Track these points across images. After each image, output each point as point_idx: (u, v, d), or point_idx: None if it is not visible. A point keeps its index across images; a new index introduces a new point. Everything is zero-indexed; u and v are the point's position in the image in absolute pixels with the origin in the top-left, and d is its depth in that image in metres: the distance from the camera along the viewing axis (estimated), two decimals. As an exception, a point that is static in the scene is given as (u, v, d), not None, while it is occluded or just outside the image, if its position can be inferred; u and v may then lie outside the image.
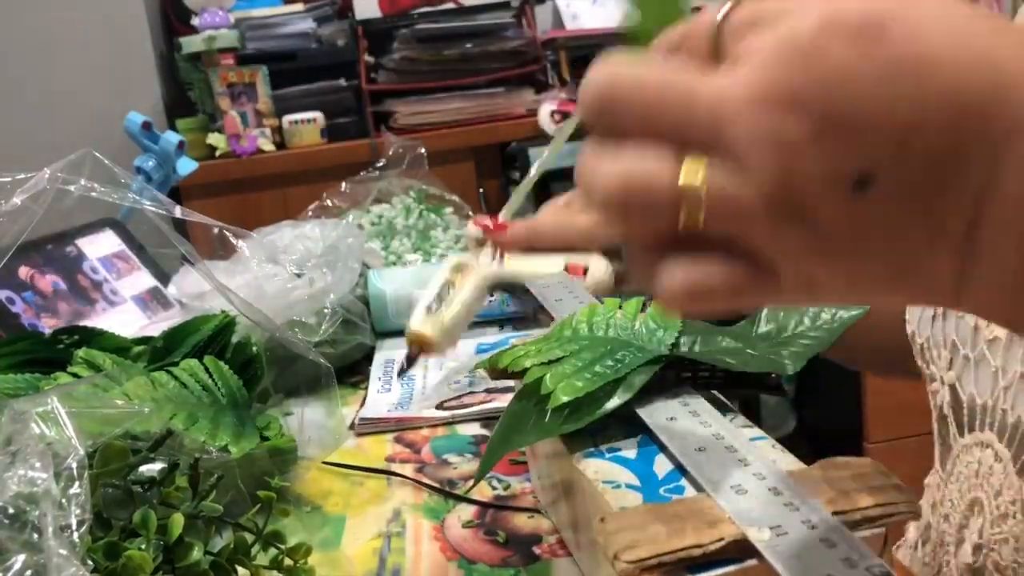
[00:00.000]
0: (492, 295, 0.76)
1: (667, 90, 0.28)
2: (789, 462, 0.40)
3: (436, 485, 0.62)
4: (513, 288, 0.78)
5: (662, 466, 0.42)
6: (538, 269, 0.66)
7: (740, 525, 0.34)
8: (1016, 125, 0.27)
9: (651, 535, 0.35)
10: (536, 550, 0.53)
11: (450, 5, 2.20)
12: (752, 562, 0.34)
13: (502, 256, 0.53)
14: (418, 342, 0.71)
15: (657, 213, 0.28)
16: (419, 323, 0.71)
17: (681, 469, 0.41)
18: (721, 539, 0.34)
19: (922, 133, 0.27)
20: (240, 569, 0.42)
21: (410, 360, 0.71)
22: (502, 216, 0.71)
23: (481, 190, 2.18)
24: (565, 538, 0.52)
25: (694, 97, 0.28)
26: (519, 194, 0.71)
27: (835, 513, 0.35)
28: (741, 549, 0.34)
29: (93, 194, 0.66)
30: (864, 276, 0.29)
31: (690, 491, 0.40)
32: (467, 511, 0.58)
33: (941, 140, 0.27)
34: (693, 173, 0.27)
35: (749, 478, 0.37)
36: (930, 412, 0.59)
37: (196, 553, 0.36)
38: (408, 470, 0.65)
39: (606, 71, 0.29)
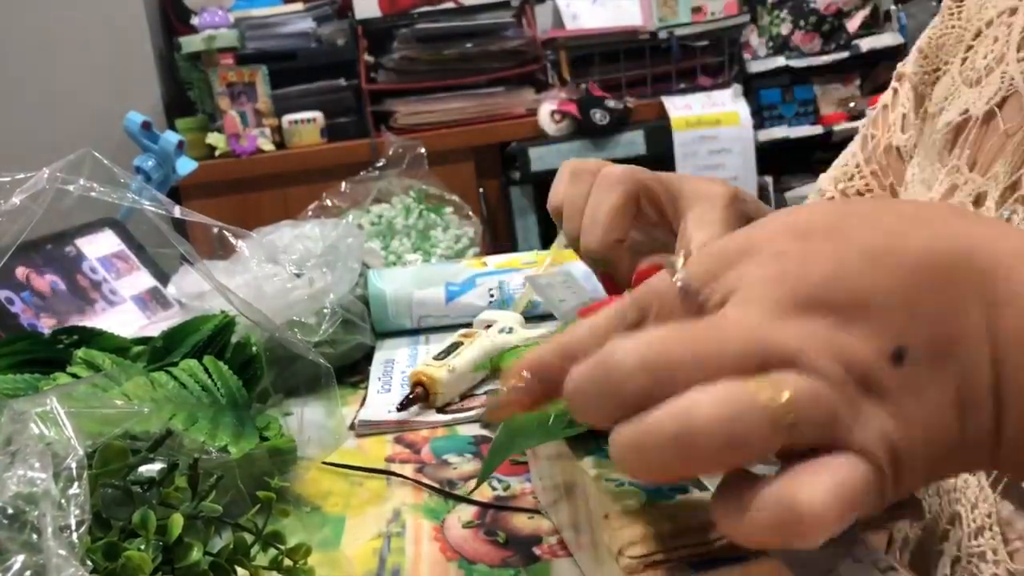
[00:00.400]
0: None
1: (695, 346, 0.28)
2: None
3: (436, 485, 0.62)
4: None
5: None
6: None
7: None
8: (992, 268, 0.30)
9: (655, 532, 0.35)
10: (536, 550, 0.52)
11: (450, 5, 2.20)
12: (756, 560, 0.34)
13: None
14: (421, 383, 0.75)
15: (761, 439, 0.27)
16: (425, 365, 0.75)
17: None
18: (725, 536, 0.34)
19: (920, 296, 0.29)
20: (239, 569, 0.42)
21: (409, 401, 0.74)
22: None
23: (481, 190, 2.18)
24: (566, 539, 0.52)
25: (722, 342, 0.28)
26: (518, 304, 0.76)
27: None
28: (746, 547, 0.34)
29: (92, 194, 0.66)
30: (932, 449, 0.30)
31: (694, 490, 0.40)
32: (467, 511, 0.58)
33: (937, 299, 0.29)
34: (775, 389, 0.27)
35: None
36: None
37: (195, 554, 0.36)
38: (408, 470, 0.65)
39: (630, 365, 0.28)
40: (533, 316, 0.90)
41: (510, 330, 0.79)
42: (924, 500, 0.57)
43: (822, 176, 0.80)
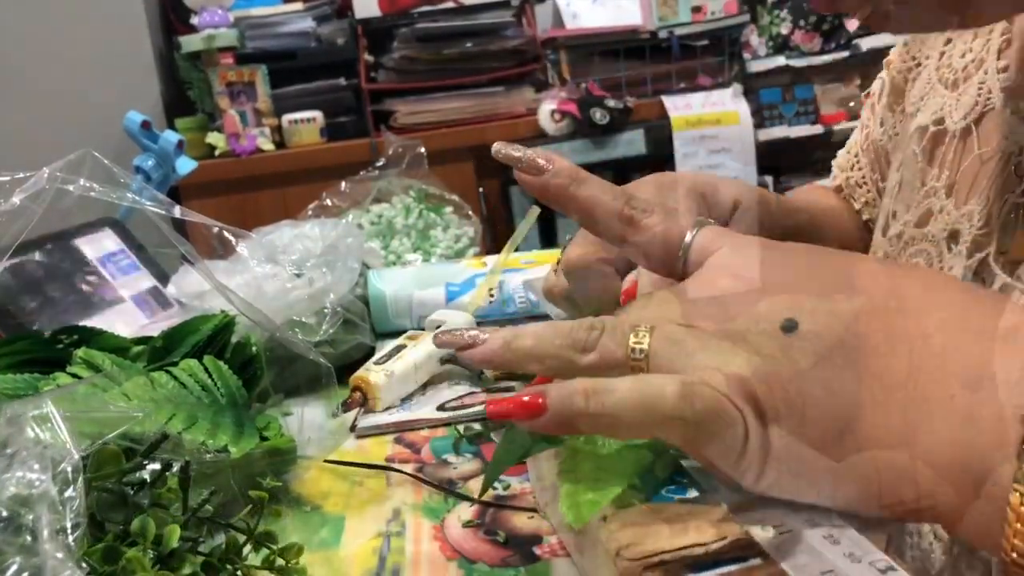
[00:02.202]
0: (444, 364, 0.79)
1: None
2: None
3: (441, 484, 0.62)
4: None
5: (664, 467, 0.42)
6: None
7: (743, 524, 0.34)
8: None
9: (653, 533, 0.35)
10: (536, 550, 0.52)
11: (450, 4, 2.19)
12: (755, 561, 0.34)
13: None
14: (359, 388, 0.74)
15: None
16: (365, 370, 0.74)
17: (682, 470, 0.41)
18: (724, 538, 0.34)
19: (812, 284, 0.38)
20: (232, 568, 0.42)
21: (347, 406, 0.74)
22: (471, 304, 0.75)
23: (481, 190, 2.18)
24: (564, 540, 0.52)
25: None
26: (487, 279, 0.75)
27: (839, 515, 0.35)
28: (743, 548, 0.34)
29: (92, 194, 0.66)
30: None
31: (692, 492, 0.40)
32: (467, 511, 0.58)
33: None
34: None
35: None
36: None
37: (188, 567, 0.36)
38: (408, 470, 0.65)
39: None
40: (522, 319, 0.90)
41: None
42: None
43: (839, 153, 0.81)
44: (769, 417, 0.33)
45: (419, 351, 0.77)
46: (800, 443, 0.33)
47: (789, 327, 0.34)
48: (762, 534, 0.33)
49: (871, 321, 0.34)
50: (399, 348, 0.78)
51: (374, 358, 0.77)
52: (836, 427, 0.33)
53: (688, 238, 0.41)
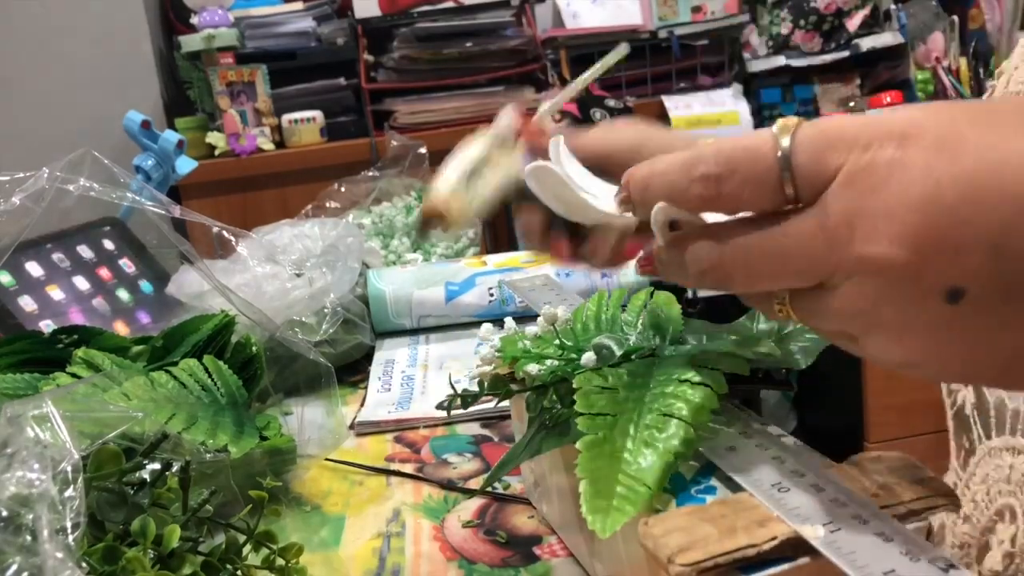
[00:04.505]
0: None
1: (765, 248, 0.32)
2: (817, 459, 0.40)
3: (441, 481, 0.62)
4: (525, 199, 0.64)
5: (688, 466, 0.41)
6: (587, 205, 0.48)
7: (792, 523, 0.34)
8: None
9: (702, 537, 0.34)
10: (536, 550, 0.52)
11: (450, 4, 2.19)
12: (804, 560, 0.33)
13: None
14: (435, 214, 0.62)
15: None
16: (443, 194, 0.62)
17: (709, 468, 0.40)
18: (774, 538, 0.33)
19: (1011, 240, 0.27)
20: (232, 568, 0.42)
21: (423, 229, 0.64)
22: (539, 116, 0.63)
23: (481, 189, 2.18)
24: (565, 539, 0.52)
25: (794, 248, 0.31)
26: (560, 99, 0.62)
27: (880, 508, 0.34)
28: (793, 547, 0.33)
29: (92, 193, 0.66)
30: (968, 374, 0.31)
31: (722, 491, 0.39)
32: (467, 511, 0.58)
33: None
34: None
35: (788, 476, 0.37)
36: (931, 412, 0.59)
37: (188, 567, 0.36)
38: (408, 470, 0.65)
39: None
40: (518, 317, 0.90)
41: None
42: (967, 489, 0.57)
43: None
44: None
45: (499, 174, 0.62)
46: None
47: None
48: (814, 533, 0.33)
49: None
50: (483, 162, 0.64)
51: (451, 171, 0.63)
52: None
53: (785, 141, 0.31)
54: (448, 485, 0.62)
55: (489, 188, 0.61)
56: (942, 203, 0.27)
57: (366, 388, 0.81)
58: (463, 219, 0.60)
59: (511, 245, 2.25)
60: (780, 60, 2.43)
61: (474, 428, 0.71)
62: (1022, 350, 0.29)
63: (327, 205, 1.32)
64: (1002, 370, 0.30)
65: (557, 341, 0.50)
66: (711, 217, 0.35)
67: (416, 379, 0.82)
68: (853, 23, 2.44)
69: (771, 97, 2.46)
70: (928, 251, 0.28)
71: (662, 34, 2.37)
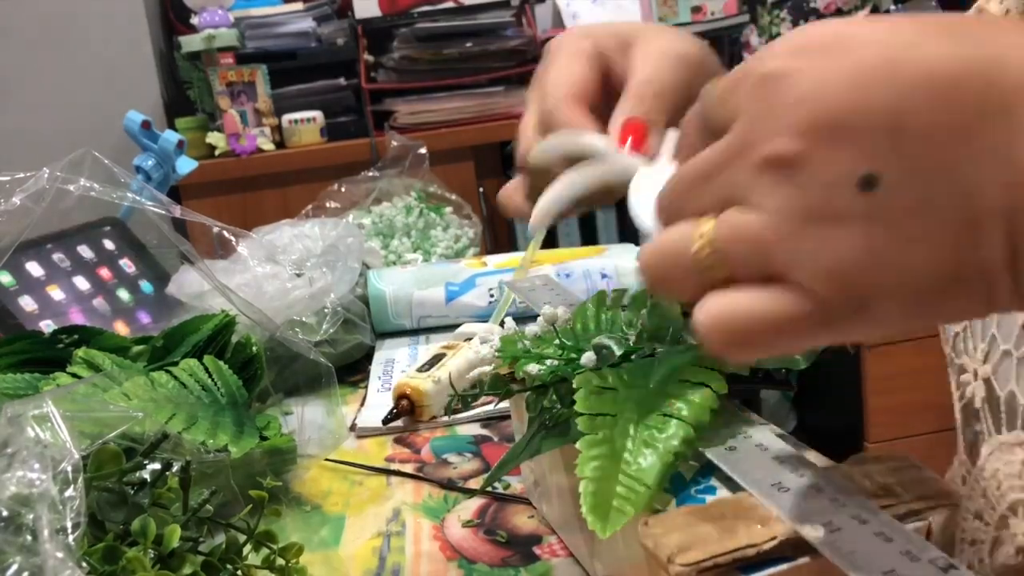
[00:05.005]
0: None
1: (684, 177, 0.32)
2: (817, 459, 0.40)
3: (441, 481, 0.62)
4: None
5: (688, 466, 0.41)
6: None
7: (791, 523, 0.33)
8: (1017, 89, 0.27)
9: (702, 536, 0.34)
10: (536, 550, 0.52)
11: (450, 4, 2.19)
12: (804, 560, 0.33)
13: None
14: (407, 396, 0.72)
15: (678, 277, 0.31)
16: (410, 378, 0.71)
17: (709, 468, 0.40)
18: (774, 538, 0.33)
19: (909, 118, 0.27)
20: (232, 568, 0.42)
21: (394, 415, 0.72)
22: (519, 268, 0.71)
23: (481, 189, 2.18)
24: (565, 538, 0.52)
25: (706, 168, 0.31)
26: (528, 256, 0.68)
27: (880, 508, 0.34)
28: (792, 547, 0.33)
29: (92, 193, 0.66)
30: (911, 280, 0.28)
31: (722, 491, 0.39)
32: (467, 511, 0.58)
33: (934, 120, 0.27)
34: (704, 224, 0.30)
35: (788, 476, 0.37)
36: (931, 412, 0.59)
37: (188, 567, 0.36)
38: (408, 470, 0.65)
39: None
40: (525, 317, 0.90)
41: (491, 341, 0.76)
42: (977, 483, 0.57)
43: None
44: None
45: (460, 359, 0.75)
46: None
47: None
48: (812, 533, 0.32)
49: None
50: (439, 357, 0.76)
51: (415, 366, 0.75)
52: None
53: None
54: (448, 485, 0.62)
55: (450, 371, 0.73)
56: (828, 92, 0.28)
57: (366, 388, 0.81)
58: (433, 404, 0.72)
59: (511, 245, 2.25)
60: (780, 60, 2.43)
61: (474, 428, 0.71)
62: (956, 246, 0.28)
63: (327, 205, 1.32)
64: (951, 279, 0.28)
65: (557, 341, 0.50)
66: None
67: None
68: (853, 23, 2.44)
69: (771, 97, 2.46)
70: (822, 138, 0.28)
71: (662, 34, 2.37)
